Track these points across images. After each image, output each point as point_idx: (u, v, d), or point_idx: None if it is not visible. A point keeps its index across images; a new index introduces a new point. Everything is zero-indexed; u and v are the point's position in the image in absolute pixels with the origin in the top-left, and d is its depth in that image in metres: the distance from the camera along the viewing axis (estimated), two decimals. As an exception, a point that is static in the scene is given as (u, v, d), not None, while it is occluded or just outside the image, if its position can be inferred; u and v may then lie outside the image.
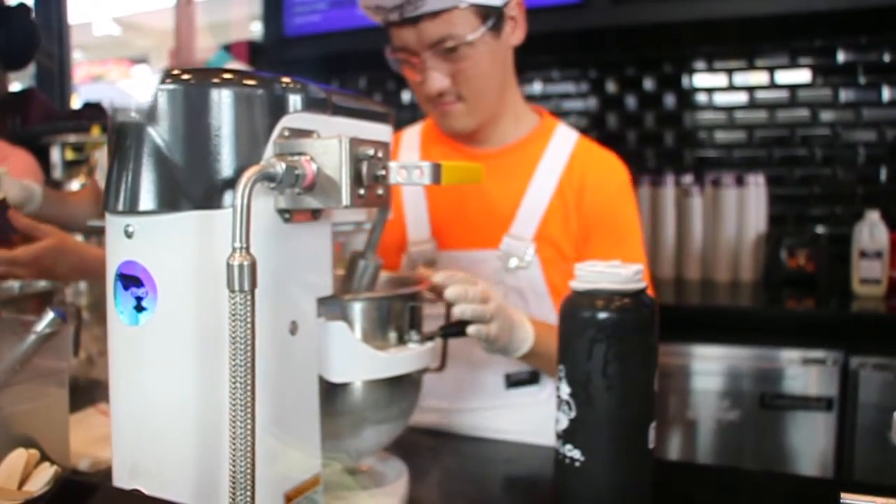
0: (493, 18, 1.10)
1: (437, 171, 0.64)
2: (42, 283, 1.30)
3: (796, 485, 0.97)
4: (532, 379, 1.21)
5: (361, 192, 0.62)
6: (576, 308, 0.75)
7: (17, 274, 1.19)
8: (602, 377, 0.72)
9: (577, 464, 0.74)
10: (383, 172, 0.63)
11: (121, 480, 0.62)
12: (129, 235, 0.59)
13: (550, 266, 1.19)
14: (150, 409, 0.61)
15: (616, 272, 0.73)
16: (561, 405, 0.75)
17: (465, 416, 1.21)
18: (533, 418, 1.20)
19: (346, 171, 0.60)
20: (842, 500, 0.54)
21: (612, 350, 0.72)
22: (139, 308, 0.59)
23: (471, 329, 0.90)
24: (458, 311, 0.89)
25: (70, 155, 2.45)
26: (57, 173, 2.40)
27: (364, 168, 0.61)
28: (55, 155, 2.41)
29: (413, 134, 1.34)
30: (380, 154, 0.63)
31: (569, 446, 0.75)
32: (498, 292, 0.97)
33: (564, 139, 1.26)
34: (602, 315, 0.72)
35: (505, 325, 0.95)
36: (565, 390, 0.75)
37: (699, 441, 1.96)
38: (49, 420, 0.86)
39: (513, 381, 1.20)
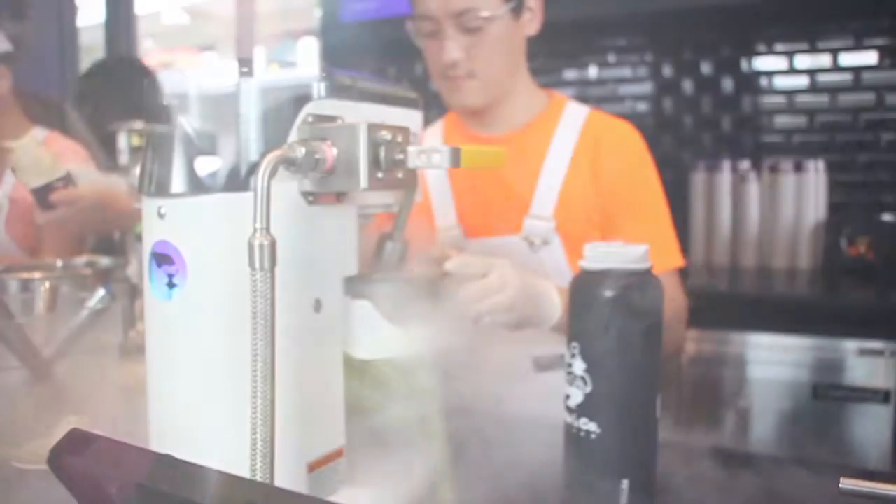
0: (514, 1, 1.16)
1: (456, 154, 0.65)
2: (105, 261, 1.37)
3: (798, 468, 0.94)
4: (563, 362, 1.18)
5: (380, 175, 0.64)
6: (588, 287, 0.76)
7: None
8: (616, 354, 0.74)
9: (594, 436, 0.76)
10: (402, 156, 0.65)
11: (155, 448, 0.66)
12: (161, 216, 0.63)
13: (573, 245, 1.19)
14: (180, 380, 0.64)
15: (625, 252, 0.75)
16: (575, 381, 0.77)
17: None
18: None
19: (364, 155, 0.62)
20: (841, 485, 0.54)
21: (627, 327, 0.74)
22: (171, 284, 0.63)
23: (479, 308, 0.90)
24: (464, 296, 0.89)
25: (136, 141, 2.54)
26: (123, 159, 2.49)
27: (382, 152, 0.63)
28: (122, 141, 2.50)
29: (436, 130, 1.36)
30: (399, 138, 0.65)
31: (584, 420, 0.77)
32: (515, 265, 0.94)
33: (575, 113, 1.27)
34: (616, 294, 0.74)
35: (524, 294, 0.93)
36: (580, 366, 0.77)
37: (751, 430, 1.93)
38: (100, 391, 0.91)
39: (542, 365, 1.18)
